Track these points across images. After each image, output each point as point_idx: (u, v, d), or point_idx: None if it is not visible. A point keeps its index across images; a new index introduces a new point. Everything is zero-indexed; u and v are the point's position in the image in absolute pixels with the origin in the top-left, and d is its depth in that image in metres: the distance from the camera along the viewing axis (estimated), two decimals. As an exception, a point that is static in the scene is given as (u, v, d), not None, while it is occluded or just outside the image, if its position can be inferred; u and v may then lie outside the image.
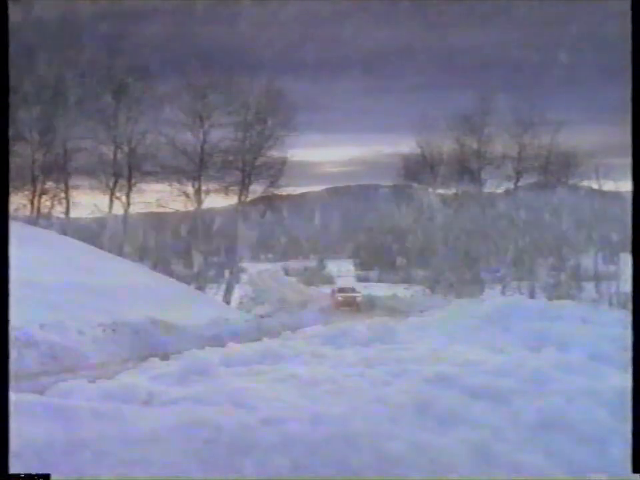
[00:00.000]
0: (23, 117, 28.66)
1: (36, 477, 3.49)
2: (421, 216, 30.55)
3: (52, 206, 32.92)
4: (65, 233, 25.41)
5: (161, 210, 33.19)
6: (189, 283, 26.89)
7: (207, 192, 34.02)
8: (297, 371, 6.54)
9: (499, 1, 28.79)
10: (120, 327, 11.86)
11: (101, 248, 24.43)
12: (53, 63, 28.59)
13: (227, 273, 33.90)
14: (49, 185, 32.49)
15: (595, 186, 32.65)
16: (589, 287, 21.17)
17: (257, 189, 35.05)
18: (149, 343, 11.87)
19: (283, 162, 34.26)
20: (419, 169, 38.21)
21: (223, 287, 32.80)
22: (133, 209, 33.41)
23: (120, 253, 25.58)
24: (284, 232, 32.48)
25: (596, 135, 50.26)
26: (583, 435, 4.60)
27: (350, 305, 27.31)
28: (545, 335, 9.00)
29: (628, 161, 3.58)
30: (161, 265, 25.09)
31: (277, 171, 34.52)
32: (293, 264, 51.91)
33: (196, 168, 33.30)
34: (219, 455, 4.12)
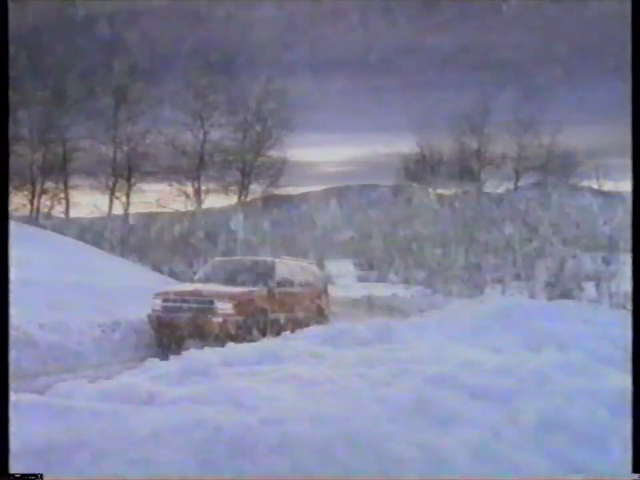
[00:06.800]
0: (22, 117, 28.67)
1: (29, 477, 3.49)
2: (421, 216, 30.57)
3: (52, 206, 32.99)
4: (64, 233, 25.39)
5: (161, 210, 33.25)
6: (188, 283, 26.82)
7: (207, 192, 34.12)
8: (297, 371, 6.53)
9: (499, 0, 28.79)
10: (120, 327, 11.87)
11: (101, 248, 24.40)
12: (52, 63, 28.63)
13: (226, 273, 33.89)
14: (49, 185, 32.56)
15: (595, 186, 32.65)
16: (589, 286, 21.16)
17: (256, 189, 35.18)
18: (149, 343, 11.90)
19: (283, 162, 34.36)
20: (418, 169, 38.30)
21: (223, 287, 32.75)
22: (133, 209, 33.50)
23: (120, 253, 25.56)
24: (283, 232, 32.51)
25: (596, 135, 50.29)
26: (582, 435, 4.60)
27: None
28: (545, 335, 8.98)
29: (628, 161, 3.59)
30: (160, 265, 25.07)
31: (277, 170, 34.64)
32: (293, 264, 51.69)
33: (196, 168, 33.38)
34: (219, 454, 4.12)
